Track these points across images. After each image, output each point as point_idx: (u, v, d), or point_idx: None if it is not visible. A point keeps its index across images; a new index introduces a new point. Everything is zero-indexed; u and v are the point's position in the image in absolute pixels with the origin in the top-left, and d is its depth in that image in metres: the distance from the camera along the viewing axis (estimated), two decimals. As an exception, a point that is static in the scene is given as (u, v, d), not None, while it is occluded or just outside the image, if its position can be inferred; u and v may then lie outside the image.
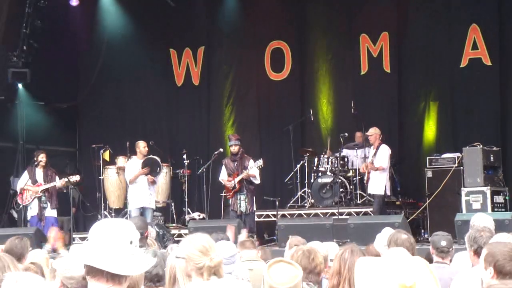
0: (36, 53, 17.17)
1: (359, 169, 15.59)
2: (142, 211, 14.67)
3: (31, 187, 14.84)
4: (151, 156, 14.96)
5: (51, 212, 14.84)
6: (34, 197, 14.77)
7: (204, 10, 18.39)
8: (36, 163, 14.91)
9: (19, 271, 4.95)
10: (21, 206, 14.97)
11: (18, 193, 15.15)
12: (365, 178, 14.71)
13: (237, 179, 14.32)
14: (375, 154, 14.50)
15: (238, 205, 14.35)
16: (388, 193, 14.73)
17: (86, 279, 3.34)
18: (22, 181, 15.00)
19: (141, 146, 14.98)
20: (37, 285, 4.12)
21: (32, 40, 17.01)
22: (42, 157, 14.93)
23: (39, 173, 14.94)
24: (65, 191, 15.66)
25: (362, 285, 2.85)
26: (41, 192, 14.74)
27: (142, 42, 18.70)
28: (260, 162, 14.33)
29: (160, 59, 18.85)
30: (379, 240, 7.24)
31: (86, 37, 18.54)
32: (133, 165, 14.93)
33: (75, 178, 15.22)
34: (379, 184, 14.41)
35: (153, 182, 14.82)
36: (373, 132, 14.60)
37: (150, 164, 14.83)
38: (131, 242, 3.17)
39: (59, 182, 14.94)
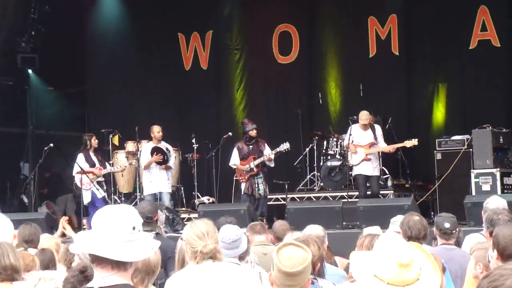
0: (44, 39, 17.18)
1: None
2: (159, 196, 14.72)
3: (93, 170, 14.72)
4: (159, 145, 14.90)
5: (101, 192, 14.84)
6: (96, 180, 14.72)
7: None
8: (88, 147, 14.88)
9: (18, 259, 4.95)
10: (82, 190, 14.61)
11: (75, 177, 14.88)
12: (353, 159, 14.21)
13: (256, 162, 14.33)
14: (374, 135, 14.22)
15: (256, 188, 14.37)
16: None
17: None
18: (80, 165, 14.64)
19: (155, 131, 14.98)
20: None
21: (40, 26, 17.01)
22: (94, 140, 14.96)
23: (93, 157, 14.93)
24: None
25: (358, 275, 2.86)
26: (103, 175, 14.78)
27: (150, 26, 18.69)
28: (287, 145, 14.33)
29: (168, 43, 18.83)
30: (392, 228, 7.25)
31: (94, 21, 18.52)
32: (147, 150, 14.96)
33: (134, 162, 15.26)
34: (377, 165, 14.27)
35: (167, 168, 14.85)
36: (368, 115, 14.38)
37: (158, 152, 14.83)
38: (133, 228, 3.17)
39: (118, 168, 15.15)
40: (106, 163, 15.33)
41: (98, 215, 3.19)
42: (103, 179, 14.85)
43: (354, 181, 15.09)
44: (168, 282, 4.63)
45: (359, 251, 3.17)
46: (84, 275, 4.27)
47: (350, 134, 14.16)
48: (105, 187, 14.87)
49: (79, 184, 14.67)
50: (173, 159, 15.17)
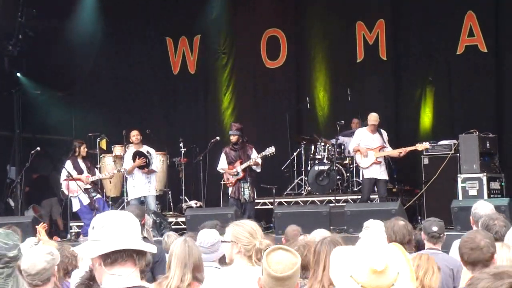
0: (31, 42, 17.13)
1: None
2: (144, 200, 14.71)
3: (80, 177, 14.68)
4: (139, 149, 14.87)
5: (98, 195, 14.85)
6: (84, 188, 14.69)
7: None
8: (77, 153, 14.85)
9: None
10: (69, 197, 14.62)
11: (61, 183, 14.89)
12: (363, 162, 14.34)
13: (242, 166, 14.33)
14: (382, 139, 14.23)
15: (242, 193, 14.36)
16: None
17: None
18: (68, 171, 14.65)
19: (132, 135, 14.93)
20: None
21: (28, 29, 16.97)
22: (84, 148, 14.93)
23: (82, 164, 14.91)
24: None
25: (335, 273, 2.86)
26: (91, 183, 14.73)
27: (138, 30, 18.69)
28: (272, 149, 14.34)
29: (156, 47, 18.82)
30: (364, 231, 7.20)
31: (82, 25, 18.47)
32: (129, 155, 14.92)
33: (123, 169, 15.28)
34: (385, 169, 14.29)
35: (150, 172, 14.81)
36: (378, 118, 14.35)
37: (140, 156, 14.80)
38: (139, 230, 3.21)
39: (107, 175, 15.07)
40: (95, 169, 15.29)
41: (106, 219, 3.17)
42: (90, 186, 14.79)
43: (361, 184, 15.22)
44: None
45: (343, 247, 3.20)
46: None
47: (359, 139, 14.24)
48: (94, 194, 14.79)
49: (65, 191, 14.68)
50: (157, 162, 15.13)
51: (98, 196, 14.86)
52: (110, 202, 16.15)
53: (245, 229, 4.70)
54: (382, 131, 14.34)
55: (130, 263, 3.08)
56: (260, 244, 4.62)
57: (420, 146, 14.06)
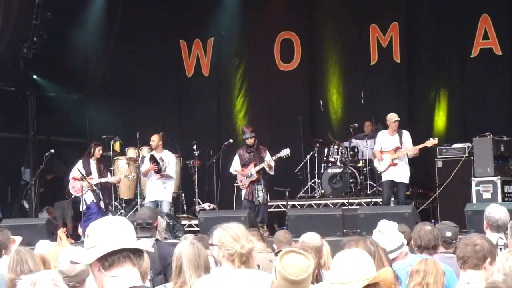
0: (46, 44, 17.19)
1: (369, 159, 15.53)
2: (160, 204, 14.80)
3: (86, 179, 14.84)
4: (154, 154, 14.98)
5: (100, 203, 14.95)
6: (88, 189, 14.81)
7: (213, 2, 18.35)
8: (91, 154, 15.02)
9: (39, 265, 4.94)
10: (72, 196, 15.12)
11: (69, 181, 15.18)
12: (380, 166, 14.32)
13: (256, 168, 14.36)
14: (400, 140, 14.20)
15: (256, 195, 14.40)
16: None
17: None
18: (76, 171, 14.97)
19: (151, 140, 15.09)
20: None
21: (42, 31, 17.03)
22: (99, 150, 15.08)
23: (93, 165, 15.03)
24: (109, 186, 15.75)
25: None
26: (95, 185, 14.82)
27: (153, 33, 18.73)
28: (287, 151, 14.36)
29: (170, 50, 18.86)
30: (377, 234, 7.13)
31: (97, 28, 18.52)
32: (146, 158, 15.14)
33: (131, 175, 15.31)
34: (406, 172, 14.15)
35: (164, 177, 14.87)
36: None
37: (153, 161, 14.94)
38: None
39: (112, 179, 15.10)
40: (108, 172, 15.37)
41: (98, 224, 3.18)
42: (95, 188, 14.88)
43: (374, 187, 15.34)
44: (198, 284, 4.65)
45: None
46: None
47: (379, 142, 14.24)
48: (97, 197, 14.89)
49: (71, 190, 15.01)
50: (172, 168, 15.12)
51: (101, 204, 14.94)
52: (124, 205, 16.20)
53: (229, 233, 4.69)
54: (404, 132, 14.25)
55: (129, 263, 3.11)
56: (242, 249, 4.61)
57: (429, 143, 14.00)
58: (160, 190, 14.88)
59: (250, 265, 4.61)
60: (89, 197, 14.91)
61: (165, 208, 14.77)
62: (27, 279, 3.96)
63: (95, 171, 15.03)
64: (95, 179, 14.91)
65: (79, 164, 15.02)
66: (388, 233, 6.83)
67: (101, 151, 15.18)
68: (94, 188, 14.86)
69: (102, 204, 15.00)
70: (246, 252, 4.60)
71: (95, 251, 3.11)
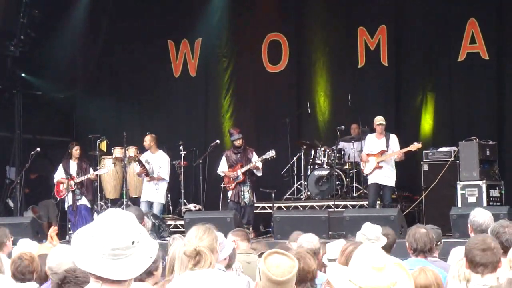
0: (33, 43, 17.14)
1: (356, 162, 15.59)
2: (151, 205, 14.98)
3: (65, 180, 14.93)
4: (142, 156, 15.09)
5: (84, 200, 14.95)
6: (69, 191, 14.83)
7: (201, 2, 18.33)
8: (70, 155, 15.05)
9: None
10: (58, 200, 15.36)
11: (54, 186, 15.38)
12: (366, 168, 14.34)
13: (243, 170, 14.37)
14: (387, 143, 14.22)
15: (242, 196, 14.42)
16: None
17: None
18: (58, 174, 15.19)
19: (144, 141, 15.34)
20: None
21: (30, 30, 16.98)
22: (76, 150, 15.13)
23: (73, 165, 15.10)
24: (96, 183, 15.75)
25: (334, 277, 2.90)
26: (74, 186, 14.82)
27: (140, 32, 18.69)
28: (272, 152, 14.39)
29: (158, 50, 18.83)
30: (359, 236, 7.12)
31: (84, 27, 18.47)
32: (142, 156, 15.34)
33: (105, 170, 15.34)
34: (392, 175, 14.18)
35: (154, 179, 14.99)
36: (384, 121, 14.24)
37: (140, 164, 15.06)
38: (132, 243, 2.97)
39: (90, 175, 15.12)
40: (91, 169, 15.35)
41: (98, 224, 2.98)
42: (74, 188, 14.88)
43: (361, 190, 15.42)
44: None
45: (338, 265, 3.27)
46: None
47: (367, 145, 14.30)
48: (78, 197, 14.92)
49: (56, 195, 15.31)
50: (166, 169, 15.16)
51: (84, 202, 14.95)
52: (109, 204, 16.18)
53: (187, 235, 4.74)
54: (392, 135, 14.30)
55: (108, 280, 3.00)
56: (186, 250, 4.61)
57: (413, 147, 14.07)
58: (152, 191, 15.04)
59: (203, 265, 4.54)
60: (68, 201, 14.95)
61: (156, 209, 14.85)
62: None
63: (74, 171, 15.06)
64: (75, 179, 14.93)
65: (60, 169, 15.17)
66: (371, 236, 6.84)
67: (78, 150, 15.21)
68: (74, 188, 14.87)
69: (84, 200, 14.98)
70: (189, 254, 4.54)
71: (90, 260, 2.97)
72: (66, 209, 15.09)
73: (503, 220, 7.19)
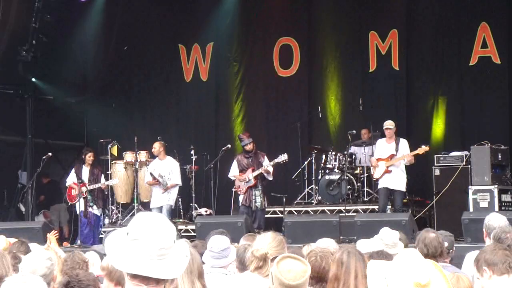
0: (45, 47, 17.20)
1: (367, 166, 15.56)
2: (161, 209, 14.99)
3: (76, 186, 14.97)
4: (154, 170, 15.08)
5: (94, 209, 15.01)
6: (80, 197, 14.90)
7: (212, 6, 18.36)
8: (82, 161, 15.11)
9: (8, 269, 4.91)
10: (69, 204, 15.42)
11: (66, 190, 15.45)
12: (375, 173, 14.33)
13: (254, 174, 14.37)
14: (397, 147, 14.21)
15: (254, 200, 14.40)
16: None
17: None
18: (70, 179, 15.26)
19: (153, 147, 15.29)
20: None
21: (42, 35, 17.03)
22: (89, 156, 15.20)
23: (85, 171, 15.14)
24: (106, 192, 15.81)
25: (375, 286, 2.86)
26: (85, 192, 14.86)
27: (152, 37, 18.74)
28: (284, 156, 14.37)
29: (169, 54, 18.87)
30: (376, 241, 7.09)
31: (95, 32, 18.53)
32: (147, 173, 15.35)
33: (114, 181, 15.36)
34: (402, 179, 14.14)
35: (168, 188, 14.99)
36: (394, 125, 14.17)
37: (153, 177, 15.04)
38: (174, 241, 3.03)
39: (101, 185, 15.14)
40: (102, 177, 15.36)
41: (139, 228, 3.00)
42: (86, 195, 14.93)
43: (371, 194, 15.40)
44: None
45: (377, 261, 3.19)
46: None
47: (377, 149, 14.30)
48: (91, 203, 14.94)
49: (68, 199, 15.35)
50: (177, 175, 15.14)
51: (95, 211, 15.00)
52: (121, 209, 16.21)
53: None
54: (402, 140, 14.25)
55: (153, 281, 3.03)
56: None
57: (421, 150, 14.02)
58: (164, 196, 15.03)
59: (264, 272, 4.65)
60: (80, 206, 14.99)
61: (165, 210, 14.82)
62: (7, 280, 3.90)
63: (86, 177, 15.07)
64: (87, 185, 14.97)
65: (72, 173, 15.24)
66: (388, 241, 6.80)
67: (91, 157, 15.26)
68: (85, 195, 14.91)
69: (95, 209, 15.03)
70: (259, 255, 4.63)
71: (126, 259, 2.99)
72: (77, 213, 15.13)
73: (505, 226, 7.17)
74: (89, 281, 4.29)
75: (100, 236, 14.87)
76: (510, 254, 4.98)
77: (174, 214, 16.12)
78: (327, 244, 7.10)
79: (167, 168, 15.11)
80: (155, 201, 15.24)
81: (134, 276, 3.01)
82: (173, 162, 15.24)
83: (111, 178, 16.06)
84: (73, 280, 4.56)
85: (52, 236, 9.59)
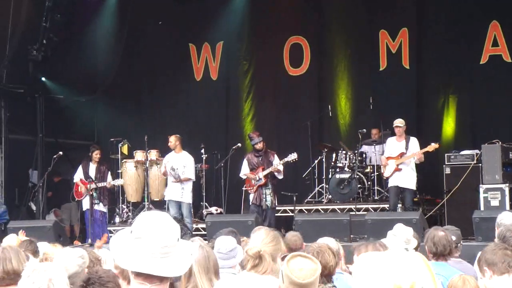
0: (55, 47, 17.25)
1: (377, 165, 15.54)
2: (180, 206, 14.91)
3: (83, 183, 15.01)
4: (167, 163, 15.03)
5: (99, 206, 15.00)
6: (86, 194, 14.95)
7: (222, 5, 18.36)
8: (90, 158, 15.14)
9: (23, 263, 4.93)
10: (76, 200, 15.55)
11: (74, 186, 15.49)
12: (385, 171, 14.30)
13: (264, 172, 14.36)
14: (406, 145, 14.18)
15: (264, 199, 14.39)
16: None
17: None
18: (77, 176, 15.31)
19: (169, 141, 15.18)
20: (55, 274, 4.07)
21: (52, 34, 17.08)
22: (96, 154, 15.22)
23: (92, 168, 15.16)
24: (116, 188, 15.88)
25: (359, 282, 2.82)
26: (91, 190, 14.89)
27: (162, 36, 18.76)
28: (294, 155, 14.36)
29: (179, 53, 18.88)
30: (390, 237, 7.09)
31: (105, 31, 18.57)
32: (166, 158, 15.23)
33: (119, 182, 15.34)
34: (412, 178, 14.13)
35: (183, 180, 14.91)
36: (404, 123, 14.21)
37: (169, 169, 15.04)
38: (177, 240, 3.05)
39: (106, 184, 15.13)
40: (109, 175, 15.34)
41: (142, 226, 3.02)
42: (91, 192, 14.95)
43: (382, 193, 15.39)
44: None
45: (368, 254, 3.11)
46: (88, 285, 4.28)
47: (387, 148, 14.28)
48: (97, 201, 14.95)
49: (75, 195, 15.37)
50: (191, 170, 15.08)
51: (100, 208, 15.00)
52: (131, 207, 16.24)
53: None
54: (412, 138, 14.22)
55: (156, 279, 3.04)
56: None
57: (430, 147, 13.99)
58: (178, 191, 14.91)
59: (261, 269, 4.61)
60: (86, 203, 15.04)
61: (185, 210, 14.78)
62: (28, 269, 3.92)
63: (93, 174, 15.09)
64: (92, 183, 14.99)
65: (79, 170, 15.26)
66: (401, 236, 6.79)
67: (98, 154, 15.26)
68: (91, 192, 14.94)
69: (101, 206, 15.03)
70: (253, 254, 4.61)
71: (131, 257, 3.02)
72: (83, 210, 15.23)
73: (510, 224, 7.13)
74: (109, 277, 4.30)
75: (111, 234, 14.89)
76: (511, 254, 4.97)
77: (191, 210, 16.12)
78: (327, 242, 7.11)
79: (182, 162, 15.04)
80: (170, 193, 15.07)
81: (138, 274, 3.02)
82: (188, 156, 15.18)
83: (121, 177, 16.09)
84: (94, 277, 4.58)
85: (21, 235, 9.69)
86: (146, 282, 3.02)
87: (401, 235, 6.81)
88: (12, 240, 7.72)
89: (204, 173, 16.40)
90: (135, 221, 3.07)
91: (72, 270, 4.96)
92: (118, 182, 15.38)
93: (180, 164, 14.97)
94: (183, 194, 14.90)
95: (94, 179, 14.99)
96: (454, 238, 6.91)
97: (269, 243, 4.92)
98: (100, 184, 14.99)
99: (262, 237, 4.87)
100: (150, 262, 2.99)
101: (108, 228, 15.25)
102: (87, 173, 15.12)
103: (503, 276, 4.88)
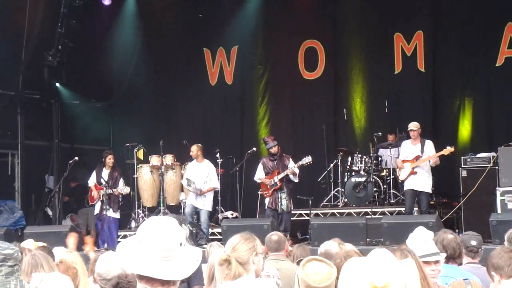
0: (71, 53, 17.31)
1: (393, 168, 15.48)
2: (198, 212, 14.88)
3: (96, 188, 15.07)
4: (189, 176, 14.99)
5: (110, 212, 15.02)
6: (98, 200, 15.06)
7: (237, 10, 18.38)
8: (103, 164, 15.18)
9: (53, 269, 4.96)
10: (90, 205, 15.59)
11: (89, 191, 15.56)
12: (401, 174, 14.25)
13: (280, 176, 14.34)
14: (422, 149, 14.13)
15: (279, 203, 14.35)
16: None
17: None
18: (91, 180, 15.39)
19: (191, 150, 15.14)
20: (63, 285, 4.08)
21: (67, 40, 17.15)
22: (109, 159, 15.22)
23: (105, 173, 15.18)
24: (132, 193, 15.98)
25: (342, 284, 2.85)
26: (102, 196, 14.94)
27: (177, 41, 18.79)
28: (309, 158, 14.32)
29: (194, 58, 18.91)
30: (411, 239, 7.05)
31: (121, 36, 18.63)
32: (188, 168, 15.26)
33: (126, 190, 15.33)
34: (427, 181, 14.08)
35: (204, 192, 14.87)
36: (418, 127, 14.12)
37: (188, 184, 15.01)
38: (180, 244, 3.07)
39: (114, 191, 15.12)
40: (121, 181, 15.32)
41: (144, 230, 3.06)
42: (102, 198, 14.98)
43: (398, 196, 15.36)
44: None
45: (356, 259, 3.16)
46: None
47: (402, 151, 14.22)
48: (106, 207, 14.94)
49: (89, 200, 15.44)
50: (214, 178, 15.03)
51: (111, 214, 14.99)
52: (147, 212, 16.26)
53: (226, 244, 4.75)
54: (427, 141, 14.15)
55: (158, 283, 3.05)
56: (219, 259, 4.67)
57: (446, 151, 13.92)
58: (200, 200, 14.87)
59: (228, 275, 4.49)
60: (97, 208, 15.10)
61: (203, 217, 14.75)
62: (35, 279, 3.93)
63: (106, 180, 15.11)
64: (104, 189, 15.01)
65: (93, 175, 15.32)
66: (420, 239, 6.75)
67: (112, 159, 15.25)
68: (102, 198, 14.98)
69: (111, 212, 15.03)
70: (219, 263, 4.52)
71: (133, 261, 3.04)
72: (94, 214, 15.36)
73: None
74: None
75: (119, 240, 14.91)
76: None
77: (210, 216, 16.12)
78: (329, 246, 7.07)
79: (204, 171, 14.99)
80: (191, 199, 15.00)
81: (141, 277, 3.04)
82: (210, 165, 15.14)
83: (137, 182, 16.11)
84: (123, 281, 4.58)
85: (89, 240, 9.71)
86: (148, 286, 3.03)
87: (420, 238, 6.78)
88: (29, 245, 7.75)
89: (219, 177, 16.40)
90: (140, 225, 3.09)
91: (114, 273, 4.93)
92: (124, 190, 15.32)
93: (202, 174, 14.93)
94: (205, 202, 14.89)
95: (106, 184, 15.02)
96: (475, 243, 6.86)
97: (236, 245, 4.79)
98: (109, 191, 15.01)
99: (230, 242, 4.78)
100: (151, 265, 3.00)
101: (122, 233, 15.26)
102: (100, 179, 15.16)
103: (510, 280, 4.85)
